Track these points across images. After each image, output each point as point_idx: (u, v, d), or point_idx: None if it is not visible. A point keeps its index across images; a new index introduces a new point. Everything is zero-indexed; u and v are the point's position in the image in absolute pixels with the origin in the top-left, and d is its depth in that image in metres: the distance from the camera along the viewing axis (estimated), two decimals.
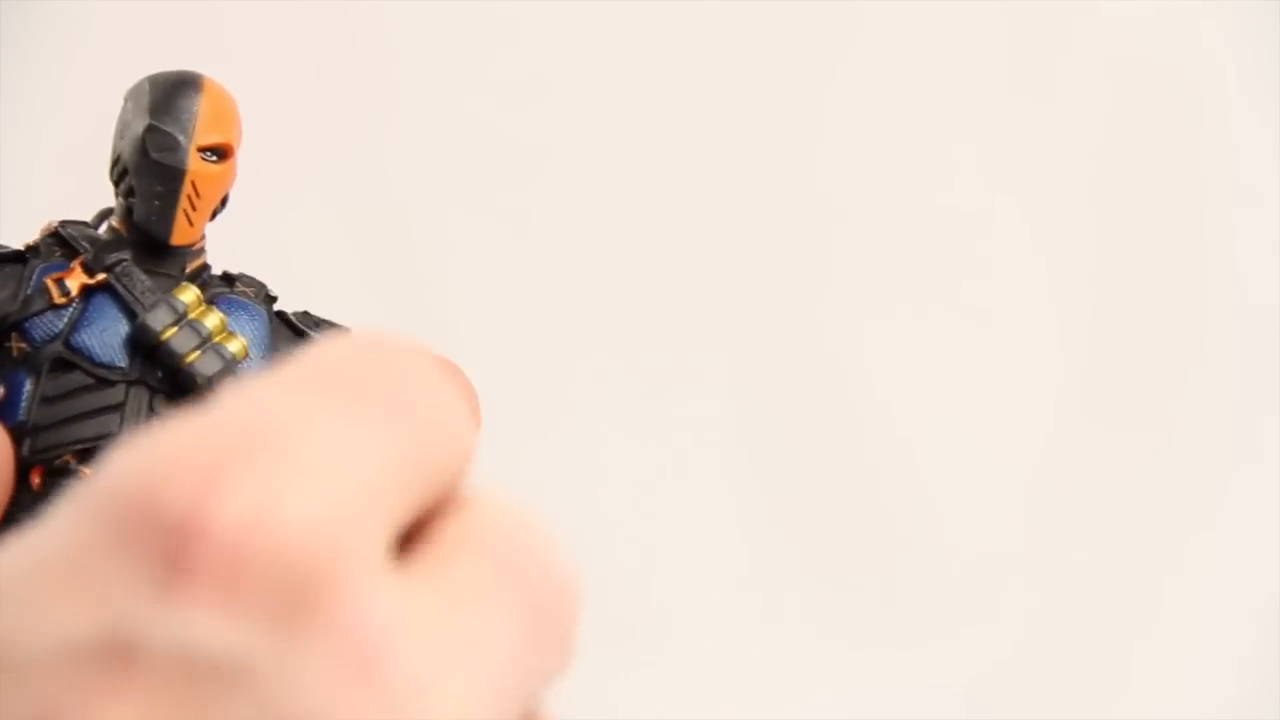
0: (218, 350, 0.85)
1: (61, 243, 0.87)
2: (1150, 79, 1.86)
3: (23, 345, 0.83)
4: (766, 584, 1.82)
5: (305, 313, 0.93)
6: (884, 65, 1.84)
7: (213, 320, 0.86)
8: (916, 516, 1.83)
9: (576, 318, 1.80)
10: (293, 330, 0.91)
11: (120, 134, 0.89)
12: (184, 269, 0.88)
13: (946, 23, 1.84)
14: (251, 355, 0.87)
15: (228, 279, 0.91)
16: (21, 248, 0.86)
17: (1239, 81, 1.84)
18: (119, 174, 0.88)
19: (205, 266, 0.90)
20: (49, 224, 0.89)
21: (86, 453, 0.82)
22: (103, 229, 0.89)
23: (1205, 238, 1.86)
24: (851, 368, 1.84)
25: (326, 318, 0.95)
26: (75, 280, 0.85)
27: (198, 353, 0.84)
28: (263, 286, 0.93)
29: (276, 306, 0.93)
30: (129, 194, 0.87)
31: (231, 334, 0.87)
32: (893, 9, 1.83)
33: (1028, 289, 1.87)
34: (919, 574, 1.82)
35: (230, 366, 0.85)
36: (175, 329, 0.84)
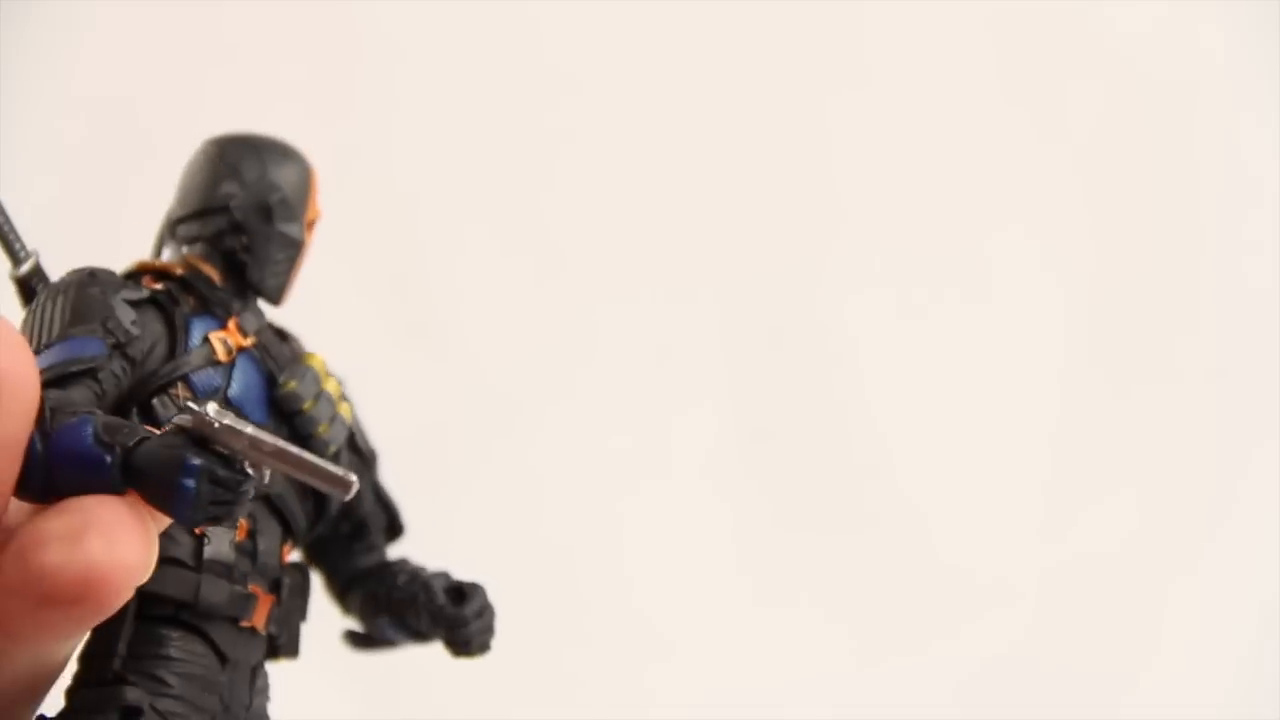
0: (341, 420, 0.91)
1: (186, 288, 0.90)
2: (1150, 80, 1.86)
3: (189, 395, 0.86)
4: (766, 583, 1.82)
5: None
6: (887, 69, 1.84)
7: (333, 387, 0.92)
8: (917, 516, 1.83)
9: (576, 317, 1.80)
10: None
11: (215, 184, 0.92)
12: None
13: (950, 24, 1.84)
14: (351, 417, 0.93)
15: (282, 335, 0.95)
16: (147, 292, 0.87)
17: (1238, 82, 1.85)
18: (227, 227, 0.91)
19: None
20: (152, 263, 0.91)
21: None
22: (167, 255, 0.92)
23: (1205, 238, 1.86)
24: (851, 369, 1.84)
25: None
26: (234, 340, 0.89)
27: (328, 425, 0.90)
28: (300, 342, 0.97)
29: None
30: (244, 251, 0.91)
31: (344, 400, 0.92)
32: (898, 13, 1.84)
33: (1028, 290, 1.87)
34: (919, 574, 1.82)
35: (346, 435, 0.92)
36: (314, 401, 0.90)
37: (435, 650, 1.60)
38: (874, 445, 1.84)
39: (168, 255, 0.93)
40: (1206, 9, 1.85)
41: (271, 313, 0.94)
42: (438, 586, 0.94)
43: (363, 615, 0.97)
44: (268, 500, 0.87)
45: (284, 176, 0.92)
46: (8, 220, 0.90)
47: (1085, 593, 1.83)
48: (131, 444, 0.69)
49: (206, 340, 0.88)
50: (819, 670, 1.80)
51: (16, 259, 0.89)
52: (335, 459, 0.90)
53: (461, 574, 0.97)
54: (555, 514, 1.77)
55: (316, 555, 0.97)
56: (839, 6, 1.83)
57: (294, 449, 0.68)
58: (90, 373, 0.80)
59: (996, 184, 1.86)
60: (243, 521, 0.85)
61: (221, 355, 0.88)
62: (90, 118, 1.67)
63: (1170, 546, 1.83)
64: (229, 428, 0.68)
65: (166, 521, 0.71)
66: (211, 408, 0.68)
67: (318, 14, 1.75)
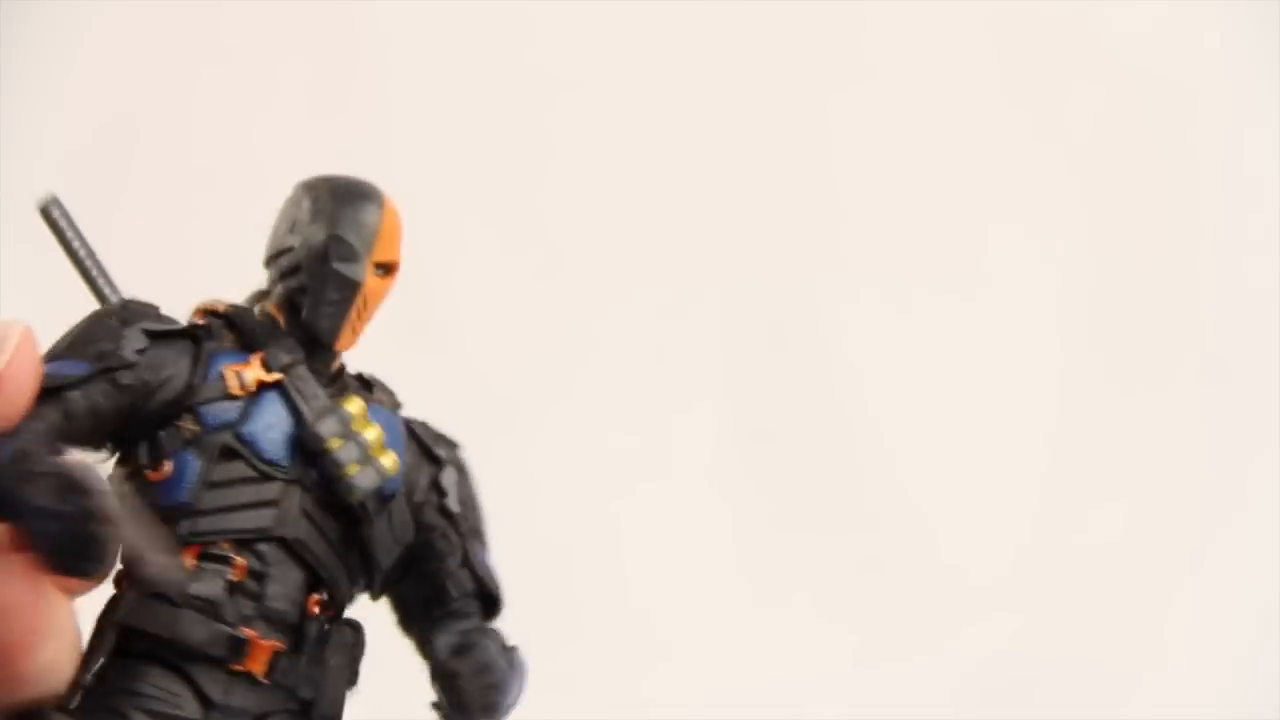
0: (375, 465, 0.88)
1: (230, 326, 0.89)
2: (1149, 80, 1.86)
3: (195, 428, 0.85)
4: (766, 583, 1.82)
5: (422, 424, 0.97)
6: (887, 66, 1.84)
7: (372, 434, 0.89)
8: (917, 517, 1.83)
9: (575, 317, 1.80)
10: (418, 443, 0.95)
11: (290, 227, 0.91)
12: (330, 366, 0.91)
13: (949, 25, 1.84)
14: (396, 469, 0.90)
15: (365, 383, 0.94)
16: (187, 324, 0.88)
17: (1238, 82, 1.85)
18: (289, 268, 0.90)
19: (344, 366, 0.93)
20: (214, 303, 0.91)
21: (242, 543, 0.84)
22: (255, 309, 0.92)
23: (1204, 238, 1.86)
24: (851, 368, 1.84)
25: (442, 431, 0.98)
26: (253, 374, 0.87)
27: (357, 466, 0.88)
28: (393, 393, 0.97)
29: (401, 413, 0.96)
30: (300, 292, 0.90)
31: (385, 449, 0.90)
32: (898, 14, 1.84)
33: (1028, 290, 1.87)
34: (919, 575, 1.82)
35: (383, 483, 0.88)
36: (341, 440, 0.87)
37: None
38: (873, 445, 1.84)
39: (260, 301, 0.93)
40: (1207, 9, 1.85)
41: (366, 363, 0.94)
42: (444, 644, 0.91)
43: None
44: (284, 543, 0.85)
45: (348, 215, 0.91)
46: (98, 265, 0.92)
47: (1085, 593, 1.83)
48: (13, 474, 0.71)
49: (221, 373, 0.86)
50: (819, 670, 1.80)
51: (104, 301, 0.90)
52: (365, 506, 0.88)
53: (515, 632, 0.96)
54: (555, 514, 1.77)
55: (402, 618, 0.95)
56: (840, 7, 1.83)
57: (134, 523, 0.69)
58: (57, 391, 0.80)
59: (996, 184, 1.86)
60: (240, 560, 0.83)
61: (235, 388, 0.86)
62: (88, 118, 1.67)
63: (1170, 547, 1.83)
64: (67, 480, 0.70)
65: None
66: (87, 457, 0.70)
67: (316, 14, 1.76)
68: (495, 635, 0.94)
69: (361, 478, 0.87)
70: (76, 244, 0.92)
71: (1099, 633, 1.82)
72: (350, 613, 0.91)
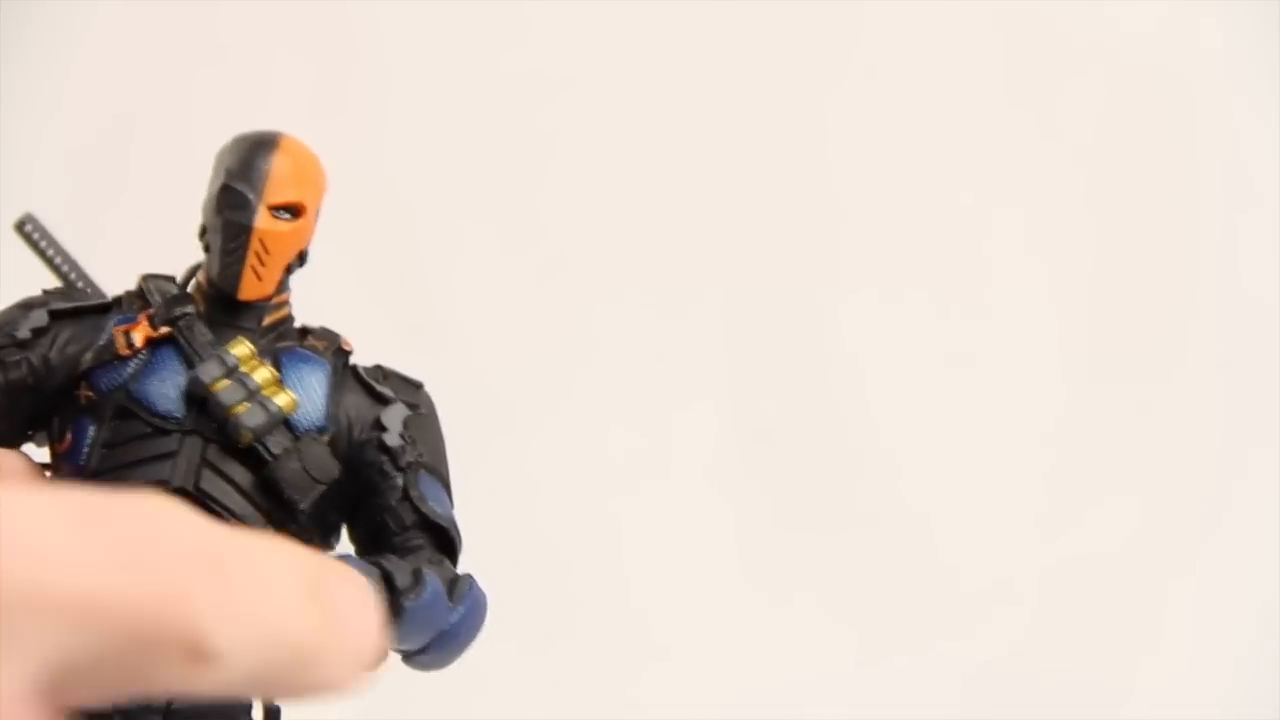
0: (264, 403, 0.88)
1: (142, 296, 0.90)
2: (1149, 82, 1.86)
3: (90, 394, 0.86)
4: (767, 583, 1.82)
5: (378, 367, 0.96)
6: (887, 69, 1.84)
7: (263, 374, 0.88)
8: (918, 517, 1.83)
9: (575, 316, 1.80)
10: (362, 384, 0.94)
11: (208, 188, 0.92)
12: (260, 322, 0.91)
13: (948, 26, 1.84)
14: (305, 407, 0.90)
15: (304, 332, 0.94)
16: (111, 299, 0.90)
17: (1239, 83, 1.85)
18: (200, 231, 0.91)
19: (286, 320, 0.93)
20: (139, 277, 0.92)
21: None
22: (191, 284, 0.92)
23: (1205, 240, 1.86)
24: (852, 368, 1.84)
25: (400, 371, 0.97)
26: (140, 333, 0.88)
27: (245, 405, 0.87)
28: (336, 339, 0.95)
29: (352, 360, 0.95)
30: (207, 249, 0.90)
31: (280, 388, 0.89)
32: (896, 14, 1.83)
33: (1029, 290, 1.87)
34: (920, 574, 1.82)
35: (275, 420, 0.88)
36: (225, 381, 0.87)
37: None
38: (874, 444, 1.83)
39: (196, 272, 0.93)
40: (1208, 9, 1.85)
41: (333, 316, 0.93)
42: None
43: None
44: (186, 494, 0.86)
45: (238, 165, 0.89)
46: (80, 273, 0.94)
47: (1087, 593, 1.83)
48: None
49: (111, 336, 0.87)
50: (820, 670, 1.79)
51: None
52: (264, 445, 0.87)
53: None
54: (555, 514, 1.77)
55: (358, 553, 0.94)
56: (838, 7, 1.83)
57: None
58: None
59: (996, 183, 1.86)
60: None
61: (123, 348, 0.87)
62: (86, 118, 1.67)
63: (1172, 546, 1.83)
64: None
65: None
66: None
67: (314, 14, 1.75)
68: (441, 571, 0.92)
69: (249, 417, 0.87)
70: (56, 258, 0.93)
71: (1100, 632, 1.82)
72: None
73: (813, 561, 1.80)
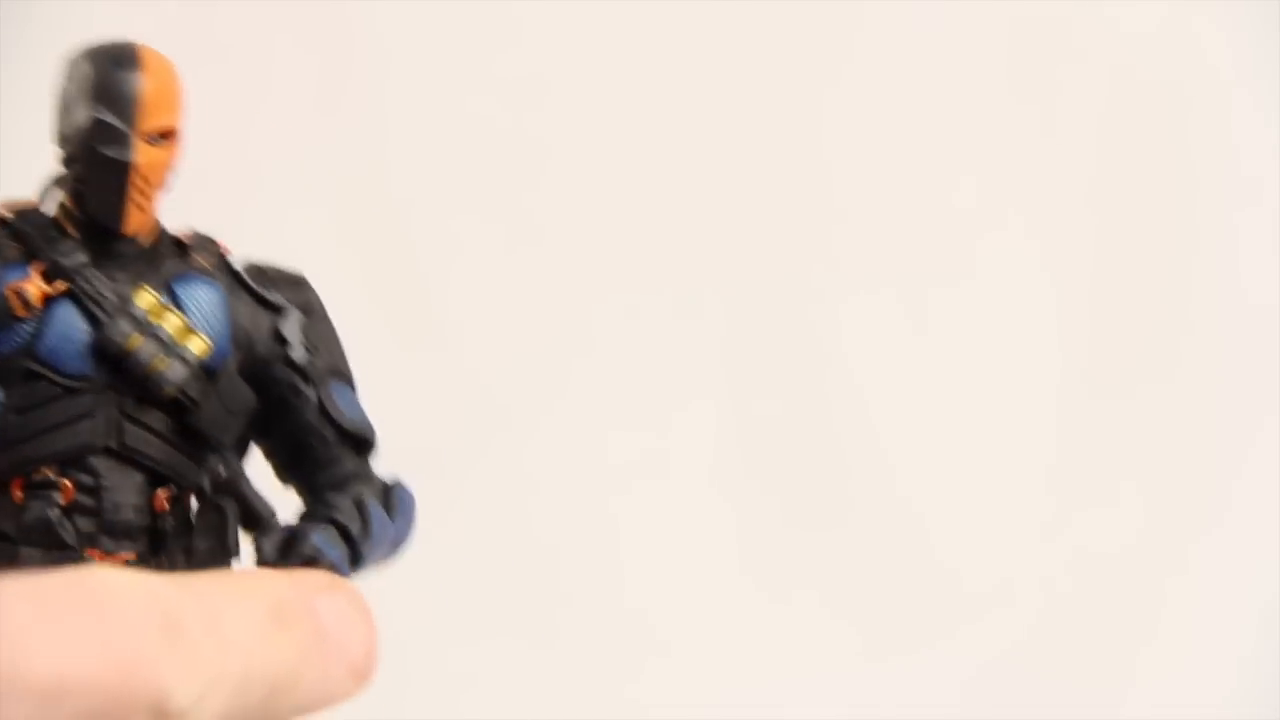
0: (181, 354, 0.84)
1: (14, 235, 0.85)
2: (1149, 83, 1.86)
3: None
4: (768, 582, 1.82)
5: (258, 269, 0.91)
6: (885, 69, 1.84)
7: (172, 322, 0.85)
8: (919, 516, 1.83)
9: (574, 315, 1.80)
10: (251, 294, 0.89)
11: (63, 112, 0.87)
12: (136, 245, 0.86)
13: (949, 25, 1.84)
14: (214, 343, 0.86)
15: (180, 246, 0.89)
16: None
17: (1237, 85, 1.84)
18: (67, 158, 0.86)
19: (159, 236, 0.88)
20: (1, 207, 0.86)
21: (68, 463, 0.81)
22: (51, 205, 0.87)
23: (1203, 240, 1.86)
24: (852, 367, 1.84)
25: (278, 266, 0.93)
26: (34, 289, 0.83)
27: (163, 360, 0.83)
28: (215, 247, 0.90)
29: (234, 262, 0.90)
30: (79, 180, 0.85)
31: (191, 332, 0.85)
32: (896, 14, 1.83)
33: (1029, 290, 1.87)
34: (921, 574, 1.82)
35: (194, 369, 0.84)
36: (138, 337, 0.83)
37: (431, 650, 1.60)
38: (874, 444, 1.84)
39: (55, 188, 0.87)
40: (1208, 8, 1.85)
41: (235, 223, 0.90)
42: (277, 533, 0.86)
43: None
44: (110, 452, 0.83)
45: (106, 91, 0.84)
46: None
47: (1089, 592, 1.83)
48: None
49: (4, 295, 0.82)
50: (822, 669, 1.80)
51: None
52: (186, 395, 0.84)
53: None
54: (554, 512, 1.77)
55: (276, 471, 0.92)
56: (837, 7, 1.83)
57: None
58: None
59: (996, 183, 1.86)
60: (66, 482, 0.81)
61: (18, 309, 0.82)
62: None
63: (1173, 546, 1.83)
64: None
65: None
66: None
67: (312, 14, 1.75)
68: (372, 488, 0.89)
69: (171, 372, 0.83)
70: None
71: (1102, 632, 1.82)
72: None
73: (812, 561, 1.80)
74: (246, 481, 0.89)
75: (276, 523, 0.86)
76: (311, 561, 0.83)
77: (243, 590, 0.37)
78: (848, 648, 1.80)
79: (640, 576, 1.79)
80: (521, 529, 1.76)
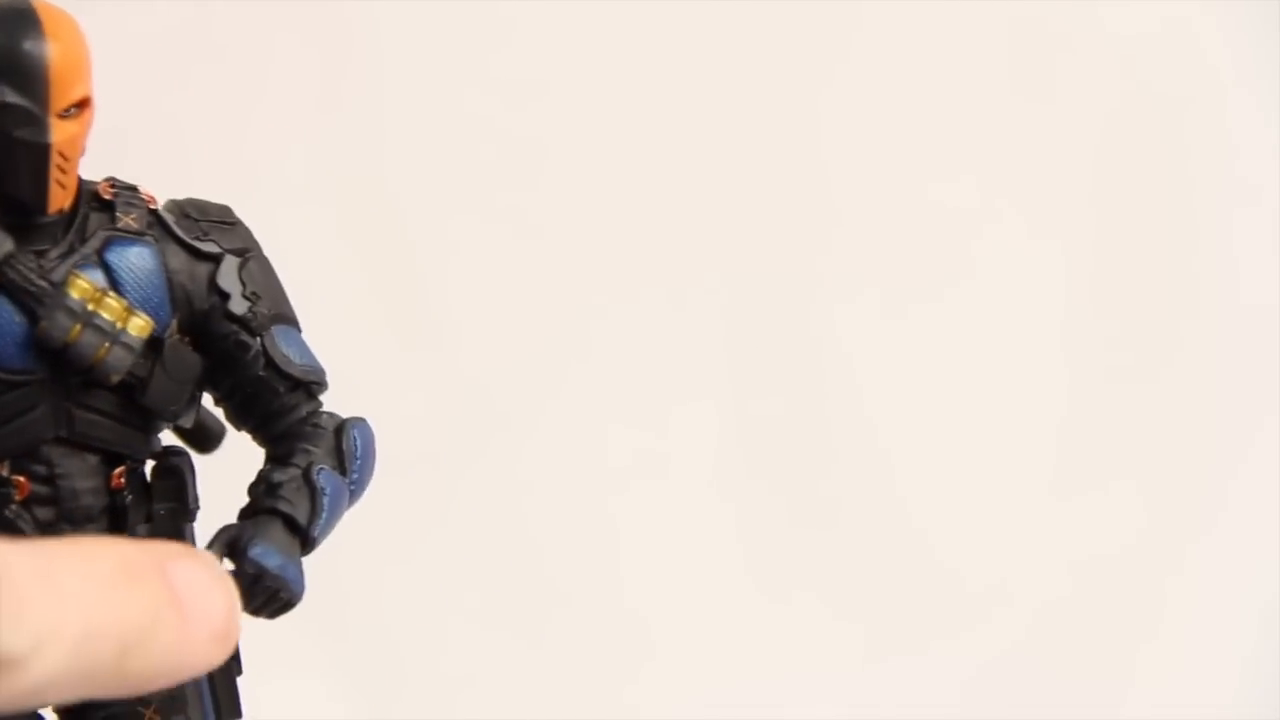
0: (124, 340, 0.82)
1: None
2: (1149, 83, 1.86)
3: None
4: (768, 582, 1.82)
5: (186, 216, 0.88)
6: (884, 67, 1.84)
7: (111, 306, 0.83)
8: (919, 516, 1.83)
9: (572, 314, 1.80)
10: (182, 245, 0.87)
11: None
12: (61, 212, 0.84)
13: (949, 25, 1.84)
14: (154, 315, 0.84)
15: (105, 205, 0.86)
16: None
17: (1236, 86, 1.84)
18: None
19: (80, 197, 0.85)
20: None
21: (21, 457, 0.82)
22: None
23: (1202, 240, 1.86)
24: (852, 366, 1.84)
25: (204, 204, 0.90)
26: None
27: (106, 348, 0.82)
28: (140, 199, 0.87)
29: (163, 214, 0.88)
30: None
31: (131, 311, 0.83)
32: (894, 12, 1.83)
33: (1029, 290, 1.87)
34: (922, 574, 1.82)
35: (137, 351, 0.83)
36: (79, 328, 0.81)
37: (429, 650, 1.60)
38: (875, 443, 1.83)
39: None
40: (1208, 8, 1.84)
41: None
42: (220, 541, 0.84)
43: None
44: (61, 440, 0.83)
45: (12, 70, 0.79)
46: None
47: (1089, 592, 1.83)
48: None
49: None
50: (823, 669, 1.79)
51: None
52: (134, 376, 0.83)
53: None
54: (553, 512, 1.77)
55: (230, 419, 0.91)
56: (836, 6, 1.83)
57: None
58: None
59: (996, 182, 1.86)
60: (20, 478, 0.81)
61: None
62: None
63: (1174, 546, 1.83)
64: None
65: None
66: None
67: (310, 13, 1.75)
68: (325, 443, 0.89)
69: (115, 360, 0.82)
70: None
71: (1102, 632, 1.82)
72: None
73: (813, 561, 1.80)
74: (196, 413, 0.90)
75: (222, 531, 0.85)
76: (256, 579, 0.82)
77: (87, 551, 0.38)
78: (848, 648, 1.79)
79: (639, 576, 1.79)
80: (520, 529, 1.76)
